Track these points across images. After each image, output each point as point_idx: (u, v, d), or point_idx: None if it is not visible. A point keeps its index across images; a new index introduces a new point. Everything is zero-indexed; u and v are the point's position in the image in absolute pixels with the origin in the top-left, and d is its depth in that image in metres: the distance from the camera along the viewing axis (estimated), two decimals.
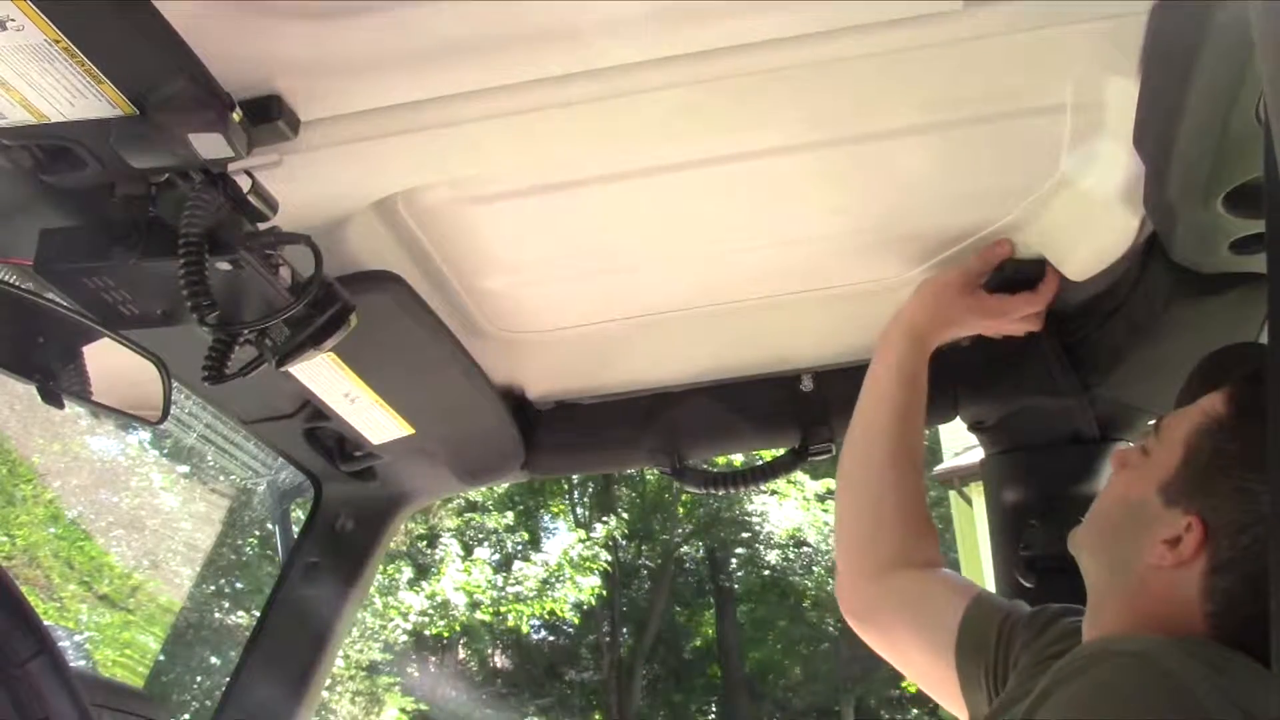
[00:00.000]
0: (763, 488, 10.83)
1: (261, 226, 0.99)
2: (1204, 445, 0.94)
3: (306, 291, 0.99)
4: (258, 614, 1.75)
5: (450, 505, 13.51)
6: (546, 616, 13.26)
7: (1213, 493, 0.91)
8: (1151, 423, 1.05)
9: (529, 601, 12.69)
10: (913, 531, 1.34)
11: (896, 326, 1.36)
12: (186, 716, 9.39)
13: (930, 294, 1.35)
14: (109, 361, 1.17)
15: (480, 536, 14.06)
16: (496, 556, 13.76)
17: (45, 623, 0.79)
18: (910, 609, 1.29)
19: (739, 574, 16.48)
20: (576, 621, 14.54)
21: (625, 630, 15.91)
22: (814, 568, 14.38)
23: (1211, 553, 0.90)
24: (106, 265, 0.96)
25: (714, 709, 16.35)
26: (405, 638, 12.35)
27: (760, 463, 1.63)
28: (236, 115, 0.89)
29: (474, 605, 12.47)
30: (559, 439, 1.64)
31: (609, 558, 14.11)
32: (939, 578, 1.31)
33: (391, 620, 12.07)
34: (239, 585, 11.00)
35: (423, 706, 12.47)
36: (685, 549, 16.45)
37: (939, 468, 10.25)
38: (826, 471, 13.76)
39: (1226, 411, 0.94)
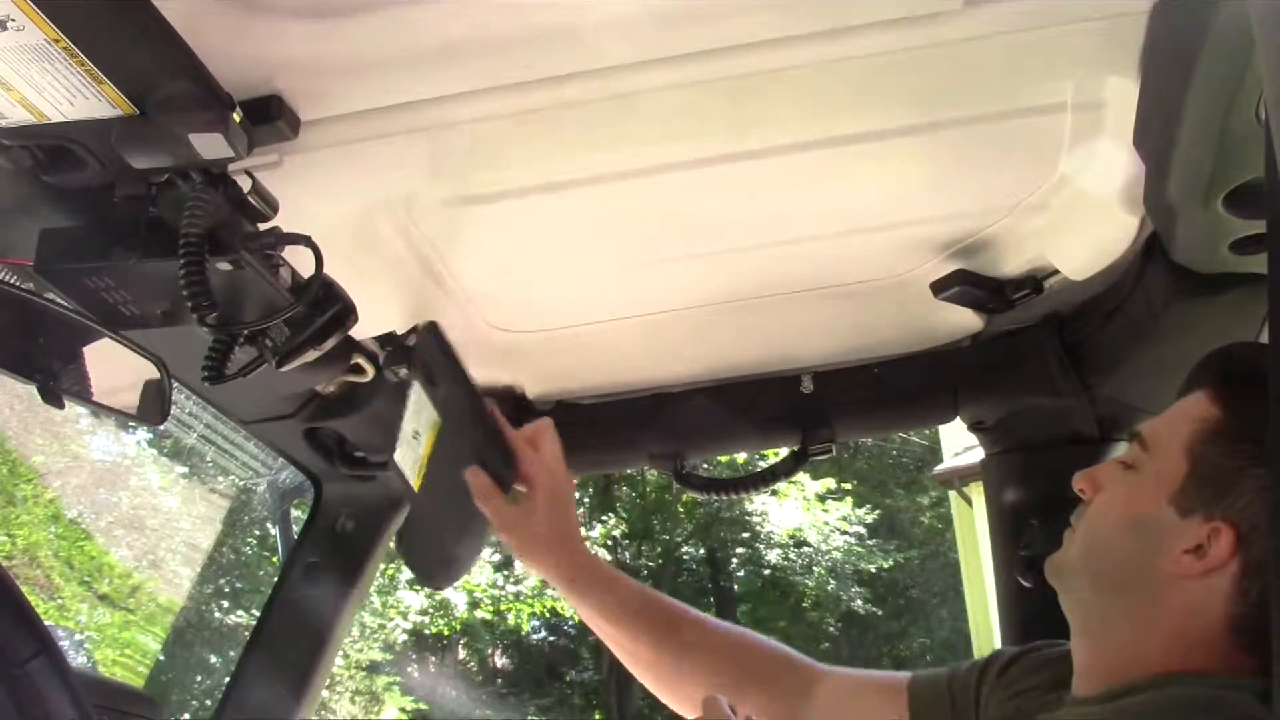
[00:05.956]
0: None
1: (262, 227, 0.99)
2: (1212, 450, 0.92)
3: (306, 292, 0.99)
4: (258, 614, 1.75)
5: None
6: (547, 616, 13.26)
7: (1238, 495, 0.89)
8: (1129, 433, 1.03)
9: (529, 600, 12.68)
10: (766, 664, 1.26)
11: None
12: (186, 716, 9.39)
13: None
14: (109, 361, 1.17)
15: None
16: (497, 555, 13.74)
17: (45, 623, 0.79)
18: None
19: (739, 574, 16.44)
20: (577, 621, 14.51)
21: None
22: (814, 568, 14.36)
23: (1245, 554, 0.88)
24: (106, 265, 0.97)
25: None
26: (405, 637, 12.35)
27: (761, 468, 1.63)
28: (236, 115, 0.89)
29: (474, 604, 12.47)
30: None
31: (609, 558, 14.08)
32: (855, 675, 1.26)
33: (391, 620, 12.07)
34: (239, 585, 11.00)
35: (423, 706, 12.45)
36: (685, 549, 16.42)
37: (939, 468, 10.25)
38: (826, 471, 13.78)
39: (1224, 414, 0.93)
